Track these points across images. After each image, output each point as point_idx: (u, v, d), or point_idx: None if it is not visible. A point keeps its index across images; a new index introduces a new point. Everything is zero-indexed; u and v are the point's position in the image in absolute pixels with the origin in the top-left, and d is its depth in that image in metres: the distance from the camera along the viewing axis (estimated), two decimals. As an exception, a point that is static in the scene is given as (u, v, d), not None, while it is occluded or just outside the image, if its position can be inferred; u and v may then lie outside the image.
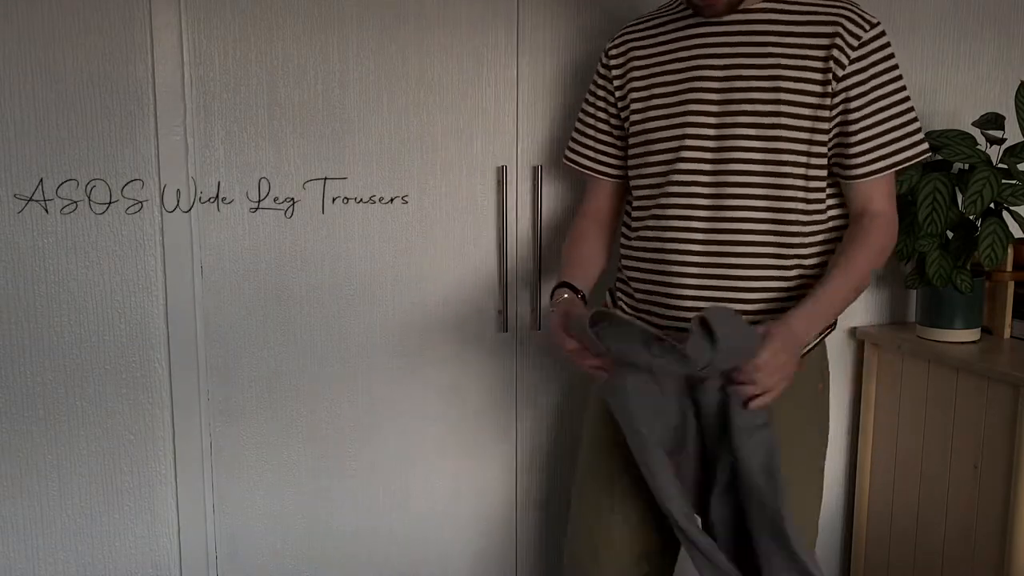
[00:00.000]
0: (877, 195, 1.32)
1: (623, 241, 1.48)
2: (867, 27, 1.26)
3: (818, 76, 1.26)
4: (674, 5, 1.41)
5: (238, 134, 1.56)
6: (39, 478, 1.54)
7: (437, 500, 1.77)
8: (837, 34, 1.25)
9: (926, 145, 1.32)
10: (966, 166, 1.70)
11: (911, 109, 1.30)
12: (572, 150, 1.54)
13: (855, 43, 1.25)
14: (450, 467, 1.77)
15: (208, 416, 1.61)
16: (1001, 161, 1.69)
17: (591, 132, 1.50)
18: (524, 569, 1.85)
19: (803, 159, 1.29)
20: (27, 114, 1.45)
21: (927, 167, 1.74)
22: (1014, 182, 1.67)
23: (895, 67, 1.28)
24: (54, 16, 1.44)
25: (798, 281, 1.32)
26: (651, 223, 1.38)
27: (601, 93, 1.47)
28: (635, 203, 1.43)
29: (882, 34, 1.27)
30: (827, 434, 1.42)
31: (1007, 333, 1.84)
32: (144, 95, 1.50)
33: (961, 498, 1.69)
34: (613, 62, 1.44)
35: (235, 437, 1.63)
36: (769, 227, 1.30)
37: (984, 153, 1.69)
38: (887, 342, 1.88)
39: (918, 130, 1.31)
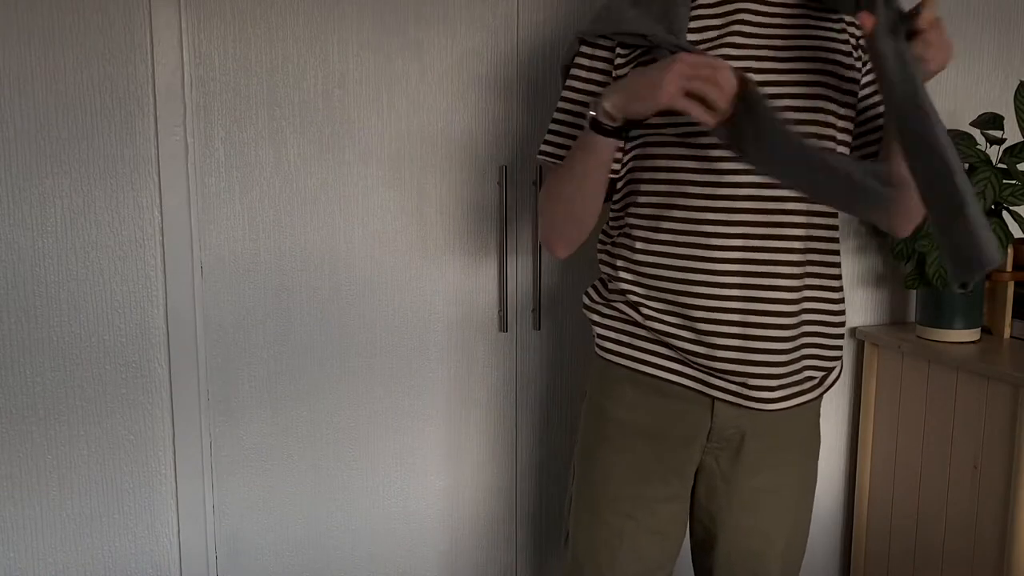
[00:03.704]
0: None
1: (628, 255, 1.23)
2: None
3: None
4: None
5: (238, 134, 1.56)
6: (39, 478, 1.54)
7: (436, 500, 1.77)
8: (844, 29, 1.22)
9: None
10: (966, 166, 1.70)
11: None
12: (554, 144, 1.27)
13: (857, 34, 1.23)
14: (450, 467, 1.77)
15: (208, 416, 1.61)
16: (1001, 161, 1.69)
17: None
18: (524, 570, 1.85)
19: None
20: (27, 114, 1.45)
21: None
22: (1014, 182, 1.67)
23: None
24: (54, 16, 1.44)
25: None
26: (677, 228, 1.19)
27: (598, 77, 1.22)
28: (641, 210, 1.21)
29: None
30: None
31: (1007, 333, 1.84)
32: (144, 95, 1.50)
33: (961, 498, 1.69)
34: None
35: (235, 437, 1.63)
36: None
37: (984, 153, 1.69)
38: (887, 342, 1.88)
39: None
